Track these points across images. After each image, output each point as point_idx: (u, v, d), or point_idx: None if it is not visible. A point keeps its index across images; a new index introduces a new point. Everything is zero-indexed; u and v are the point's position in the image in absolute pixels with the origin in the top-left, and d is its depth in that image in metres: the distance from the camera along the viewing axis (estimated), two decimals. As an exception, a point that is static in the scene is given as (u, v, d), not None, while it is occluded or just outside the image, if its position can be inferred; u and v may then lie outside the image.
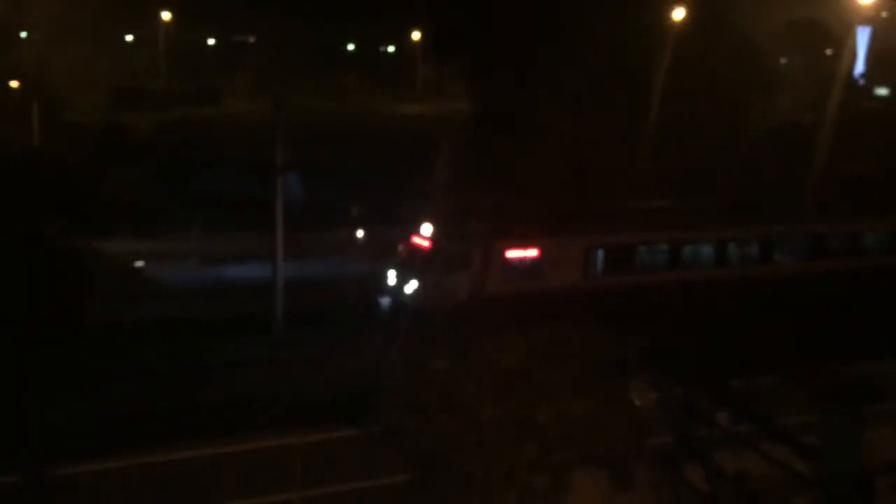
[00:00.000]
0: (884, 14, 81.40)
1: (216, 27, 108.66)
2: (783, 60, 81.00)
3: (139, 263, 34.48)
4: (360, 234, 36.30)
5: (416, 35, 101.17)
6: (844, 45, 59.29)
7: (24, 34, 73.92)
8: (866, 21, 68.22)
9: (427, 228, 27.79)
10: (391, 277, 27.90)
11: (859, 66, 66.71)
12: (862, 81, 64.40)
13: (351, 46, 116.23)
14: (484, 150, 43.77)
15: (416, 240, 28.01)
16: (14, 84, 39.03)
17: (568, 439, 16.10)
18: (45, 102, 46.35)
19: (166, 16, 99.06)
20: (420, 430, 15.92)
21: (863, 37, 69.34)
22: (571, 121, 46.05)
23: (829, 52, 72.85)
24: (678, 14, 51.36)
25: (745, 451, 12.20)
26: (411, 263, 27.61)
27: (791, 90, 66.52)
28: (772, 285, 30.33)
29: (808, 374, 19.92)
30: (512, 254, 27.76)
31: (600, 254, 29.31)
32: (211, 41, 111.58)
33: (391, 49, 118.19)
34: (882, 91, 68.56)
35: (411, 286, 26.89)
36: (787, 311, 27.86)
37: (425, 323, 25.37)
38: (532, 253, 27.93)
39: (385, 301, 27.77)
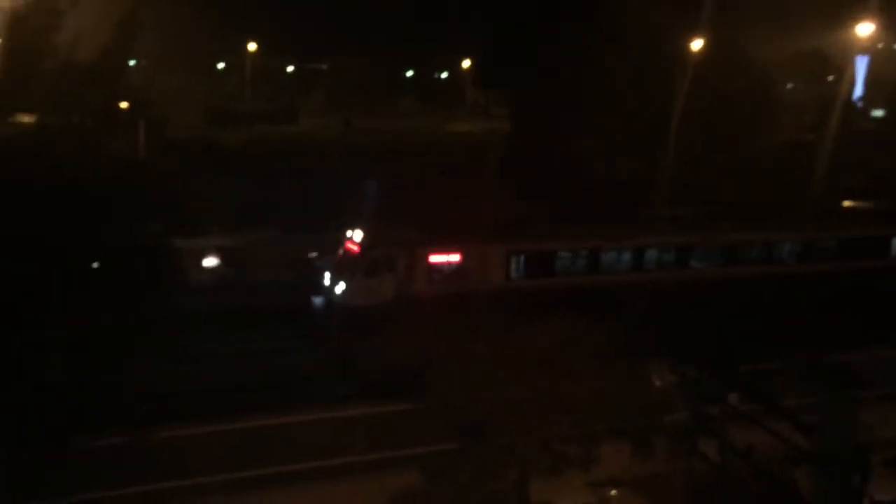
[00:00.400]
0: (880, 45, 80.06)
1: (295, 56, 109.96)
2: (789, 86, 79.94)
3: (212, 261, 34.57)
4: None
5: (466, 63, 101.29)
6: (844, 72, 58.44)
7: (132, 62, 75.35)
8: (865, 50, 67.11)
9: (358, 234, 27.04)
10: (326, 278, 27.19)
11: (858, 91, 65.44)
12: (860, 104, 63.11)
13: (409, 73, 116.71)
14: (520, 164, 43.80)
15: (348, 244, 27.31)
16: (123, 105, 39.51)
17: (595, 415, 16.03)
18: (149, 121, 47.07)
19: (252, 46, 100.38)
20: (464, 406, 15.92)
21: (861, 64, 68.16)
22: (599, 139, 45.93)
23: (830, 78, 71.76)
24: (696, 45, 50.99)
25: (753, 428, 12.02)
26: (342, 266, 26.93)
27: (795, 112, 65.58)
28: (688, 288, 29.18)
29: (809, 361, 19.56)
30: (435, 258, 27.02)
31: (521, 259, 28.28)
32: (290, 68, 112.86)
33: (444, 75, 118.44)
34: (878, 112, 67.18)
35: (340, 287, 26.28)
36: (697, 310, 26.66)
37: (351, 320, 25.07)
38: (454, 258, 27.18)
39: (318, 300, 27.33)
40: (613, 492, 18.77)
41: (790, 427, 11.36)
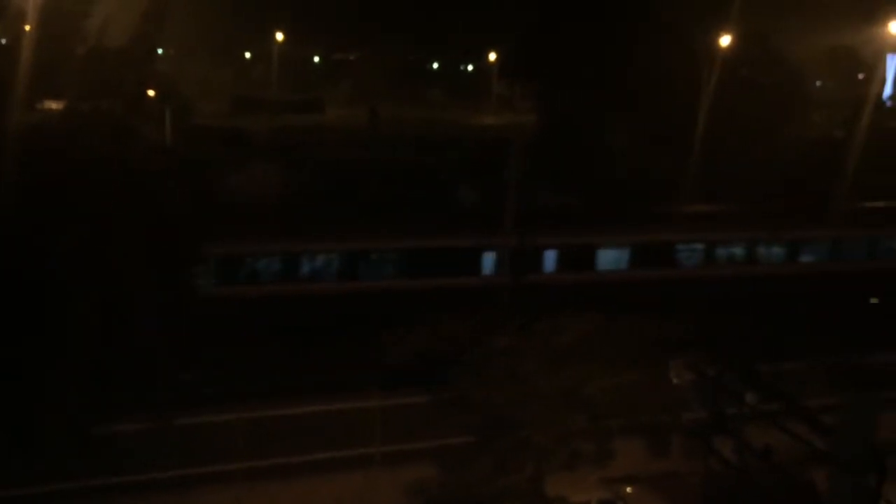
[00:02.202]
0: (913, 43, 78.88)
1: (321, 46, 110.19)
2: (818, 83, 79.13)
3: None
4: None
5: (492, 56, 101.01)
6: (875, 71, 57.74)
7: (160, 51, 75.98)
8: (896, 49, 66.27)
9: None
10: None
11: (888, 90, 64.66)
12: (889, 103, 62.36)
13: (435, 65, 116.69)
14: (544, 156, 43.61)
15: None
16: (151, 93, 39.83)
17: (613, 410, 16.04)
18: (176, 109, 47.38)
19: (279, 36, 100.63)
20: (486, 399, 15.97)
21: (893, 64, 67.29)
22: (627, 133, 45.70)
23: (861, 76, 70.95)
24: (728, 40, 50.59)
25: (770, 428, 11.98)
26: None
27: (825, 109, 64.94)
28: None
29: (831, 362, 19.46)
30: None
31: None
32: (316, 58, 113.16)
33: (470, 68, 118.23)
34: (907, 112, 66.40)
35: None
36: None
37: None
38: None
39: None
40: (628, 488, 18.78)
41: (809, 428, 11.29)
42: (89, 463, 16.95)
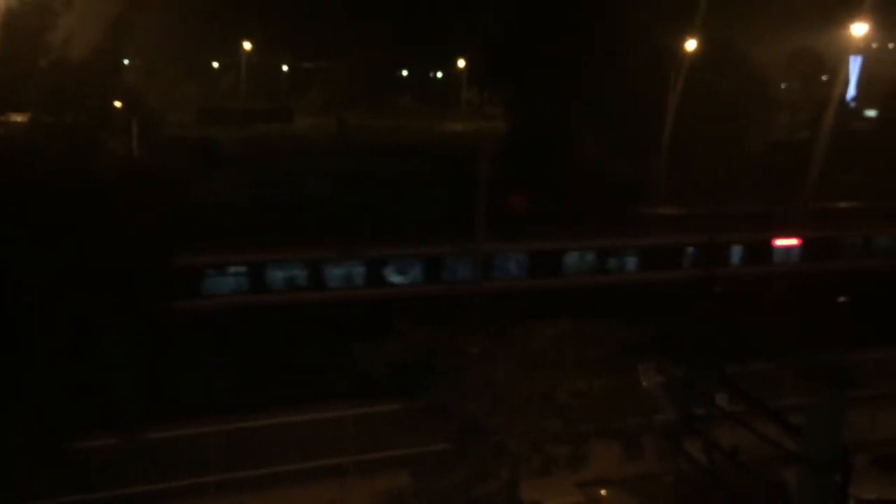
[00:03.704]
0: (874, 45, 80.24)
1: (290, 55, 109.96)
2: (783, 85, 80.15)
3: None
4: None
5: (461, 63, 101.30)
6: (838, 72, 58.54)
7: (127, 61, 75.33)
8: (858, 51, 67.29)
9: None
10: None
11: (851, 91, 65.67)
12: (853, 104, 63.37)
13: (405, 72, 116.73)
14: (514, 162, 43.90)
15: None
16: (117, 104, 39.47)
17: (586, 414, 16.12)
18: (143, 120, 46.96)
19: (247, 45, 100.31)
20: (459, 406, 15.97)
21: (855, 65, 68.36)
22: (594, 139, 46.04)
23: (824, 77, 71.99)
24: (693, 44, 51.07)
25: (739, 428, 12.11)
26: None
27: (790, 111, 65.84)
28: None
29: (798, 362, 19.71)
30: None
31: None
32: (285, 67, 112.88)
33: (439, 75, 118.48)
34: (871, 112, 67.38)
35: None
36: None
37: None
38: None
39: None
40: (603, 491, 18.91)
41: (777, 427, 11.42)
42: (58, 479, 16.75)
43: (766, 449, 11.61)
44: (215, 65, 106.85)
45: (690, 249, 31.22)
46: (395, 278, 27.63)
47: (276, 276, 26.51)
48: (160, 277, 21.77)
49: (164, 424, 17.70)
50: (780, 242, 32.46)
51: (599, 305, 19.58)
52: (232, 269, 26.15)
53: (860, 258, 33.60)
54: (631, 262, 30.61)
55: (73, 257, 18.52)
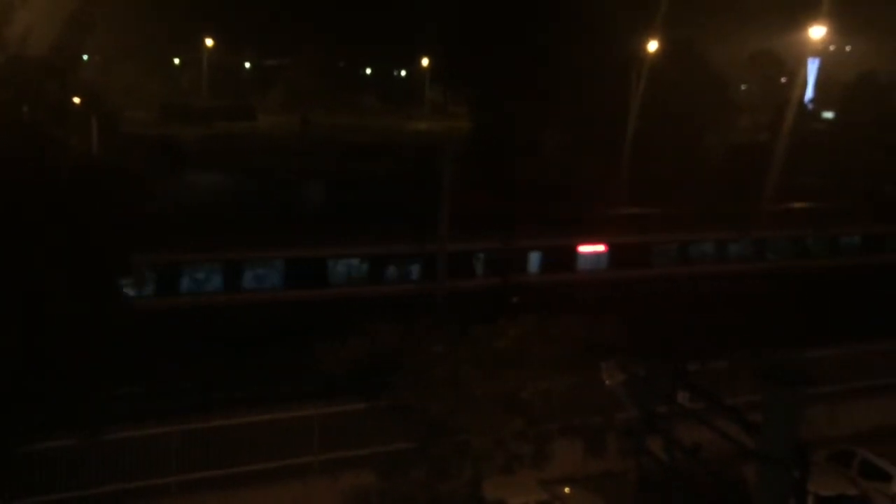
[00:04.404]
0: (832, 48, 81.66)
1: (253, 52, 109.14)
2: (744, 87, 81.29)
3: None
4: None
5: (424, 61, 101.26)
6: (797, 74, 59.53)
7: (86, 57, 74.26)
8: (816, 53, 68.38)
9: None
10: None
11: (809, 93, 66.75)
12: (811, 106, 64.43)
13: (368, 70, 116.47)
14: (478, 161, 44.00)
15: None
16: (76, 101, 38.84)
17: (549, 413, 16.23)
18: (102, 117, 46.33)
19: (209, 42, 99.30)
20: (423, 406, 16.00)
21: (813, 67, 69.47)
22: (557, 138, 46.29)
23: (783, 80, 73.13)
24: (652, 46, 51.60)
25: (699, 426, 12.28)
26: None
27: (750, 113, 66.73)
28: None
29: (756, 359, 19.98)
30: None
31: None
32: (248, 64, 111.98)
33: (403, 73, 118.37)
34: (828, 114, 68.54)
35: None
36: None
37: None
38: None
39: None
40: (566, 489, 19.04)
41: (736, 425, 11.60)
42: (17, 482, 16.52)
43: (725, 446, 11.79)
44: (177, 61, 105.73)
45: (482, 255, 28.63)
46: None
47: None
48: (109, 276, 21.48)
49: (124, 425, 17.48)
50: (585, 249, 29.66)
51: None
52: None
53: (669, 265, 31.11)
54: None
55: (24, 254, 18.24)
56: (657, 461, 12.82)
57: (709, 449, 12.15)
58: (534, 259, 29.50)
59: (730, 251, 32.41)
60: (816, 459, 17.48)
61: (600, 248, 30.08)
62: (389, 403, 16.53)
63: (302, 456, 18.63)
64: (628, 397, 12.99)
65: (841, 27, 68.83)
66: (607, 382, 13.40)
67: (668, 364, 13.25)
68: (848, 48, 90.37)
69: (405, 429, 16.54)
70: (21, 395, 16.21)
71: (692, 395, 12.56)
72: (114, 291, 21.86)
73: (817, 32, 58.36)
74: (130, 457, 17.39)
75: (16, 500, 16.58)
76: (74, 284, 17.39)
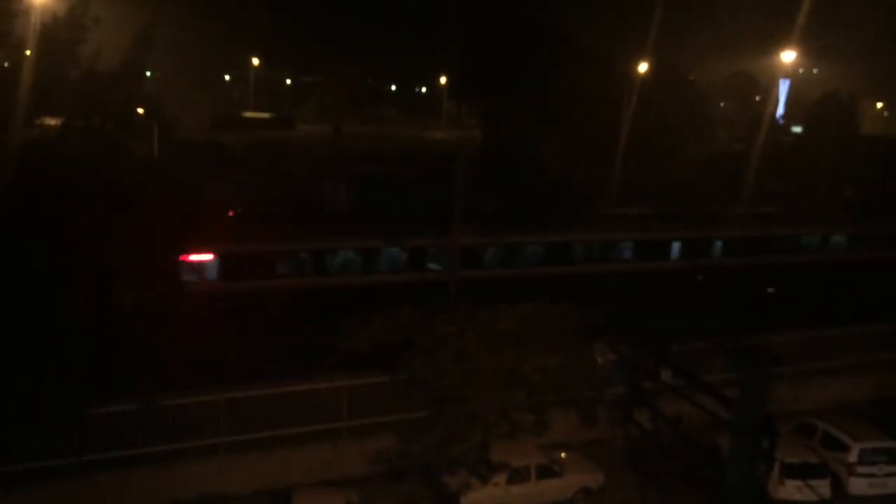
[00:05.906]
0: (801, 70, 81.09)
1: (292, 69, 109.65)
2: (722, 104, 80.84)
3: None
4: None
5: (443, 79, 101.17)
6: (770, 93, 59.15)
7: (148, 73, 74.64)
8: (787, 75, 68.01)
9: None
10: None
11: (780, 110, 66.28)
12: (782, 121, 63.90)
13: (392, 86, 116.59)
14: (485, 166, 43.95)
15: None
16: (140, 111, 39.01)
17: (547, 387, 16.19)
18: (162, 125, 46.56)
19: (255, 61, 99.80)
20: (436, 379, 16.01)
21: (784, 86, 69.05)
22: (557, 147, 46.19)
23: (757, 98, 72.64)
24: (642, 67, 51.44)
25: (680, 400, 12.24)
26: None
27: (727, 126, 66.37)
28: None
29: (729, 342, 19.89)
30: None
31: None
32: (287, 80, 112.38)
33: (423, 89, 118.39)
34: (797, 129, 68.05)
35: None
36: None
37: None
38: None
39: None
40: (562, 454, 19.01)
41: (712, 399, 11.57)
42: (85, 440, 16.66)
43: (703, 417, 11.75)
44: (227, 77, 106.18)
45: None
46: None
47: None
48: (168, 266, 21.53)
49: (178, 392, 17.55)
50: (195, 257, 25.12)
51: None
52: None
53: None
54: None
55: (94, 243, 18.37)
56: (642, 430, 12.79)
57: (689, 420, 12.12)
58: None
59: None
60: (782, 431, 17.36)
61: (209, 256, 25.38)
62: (408, 376, 16.55)
63: (333, 422, 18.67)
64: (617, 374, 12.97)
65: (809, 52, 68.43)
66: (599, 361, 13.39)
67: (653, 346, 13.22)
68: (815, 70, 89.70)
69: (421, 399, 16.55)
70: (90, 366, 16.37)
71: (674, 373, 12.53)
72: (171, 276, 22.03)
73: (788, 56, 58.02)
74: (184, 421, 17.48)
75: (86, 454, 16.72)
76: (138, 269, 17.52)
